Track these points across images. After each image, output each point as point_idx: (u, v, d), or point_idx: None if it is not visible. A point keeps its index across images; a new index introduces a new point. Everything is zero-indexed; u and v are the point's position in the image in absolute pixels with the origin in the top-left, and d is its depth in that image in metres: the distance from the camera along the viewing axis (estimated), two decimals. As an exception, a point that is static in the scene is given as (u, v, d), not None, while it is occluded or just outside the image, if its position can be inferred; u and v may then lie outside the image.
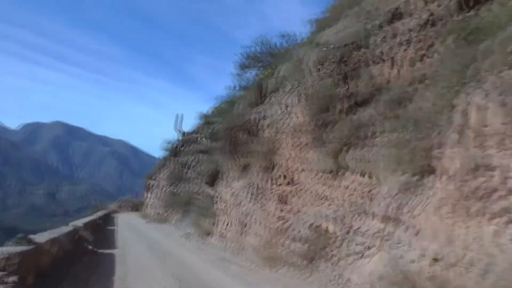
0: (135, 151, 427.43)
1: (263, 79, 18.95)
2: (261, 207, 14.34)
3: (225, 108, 30.34)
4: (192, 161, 37.49)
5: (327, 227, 10.26)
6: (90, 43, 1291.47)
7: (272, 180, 13.81)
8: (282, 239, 12.30)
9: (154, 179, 42.03)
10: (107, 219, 39.74)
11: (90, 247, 16.67)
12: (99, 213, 39.41)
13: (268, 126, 15.12)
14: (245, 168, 16.44)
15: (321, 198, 10.96)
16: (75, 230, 16.34)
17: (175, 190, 36.78)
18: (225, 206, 18.42)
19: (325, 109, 11.36)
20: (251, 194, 15.35)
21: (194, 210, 29.74)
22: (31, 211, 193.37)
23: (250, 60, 26.25)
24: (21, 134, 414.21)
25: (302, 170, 12.30)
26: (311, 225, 10.90)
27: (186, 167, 37.81)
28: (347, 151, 10.30)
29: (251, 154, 15.61)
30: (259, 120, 15.96)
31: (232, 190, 17.73)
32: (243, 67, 27.08)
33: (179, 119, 43.13)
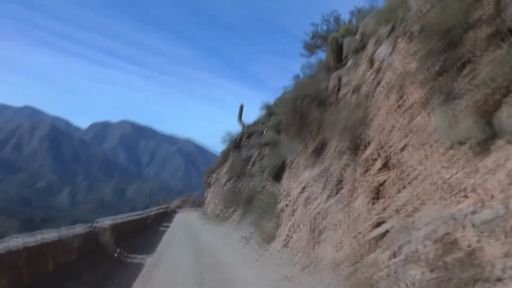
0: (201, 150, 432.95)
1: (341, 36, 14.60)
2: (344, 205, 10.00)
3: (291, 97, 27.71)
4: (255, 155, 33.93)
5: (472, 243, 5.76)
6: (157, 44, 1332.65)
7: (360, 165, 9.44)
8: (380, 256, 7.89)
9: (215, 175, 39.10)
10: (163, 217, 37.69)
11: (118, 251, 13.06)
12: (152, 211, 38.41)
13: (353, 91, 10.76)
14: (319, 152, 12.19)
15: (454, 190, 6.45)
16: (92, 232, 12.64)
17: (236, 187, 33.29)
18: (291, 205, 14.23)
19: (452, 44, 6.89)
20: (328, 186, 11.05)
21: (256, 209, 26.17)
22: (99, 207, 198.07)
23: (320, 39, 22.24)
24: (90, 133, 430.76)
25: (412, 145, 7.85)
26: (437, 237, 6.42)
27: (249, 161, 34.38)
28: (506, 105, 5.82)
29: (328, 132, 11.31)
30: (339, 86, 11.62)
31: (300, 182, 13.53)
32: (312, 47, 22.99)
33: (241, 111, 39.50)
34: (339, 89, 11.69)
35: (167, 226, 31.13)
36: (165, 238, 21.77)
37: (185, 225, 32.53)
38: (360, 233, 8.89)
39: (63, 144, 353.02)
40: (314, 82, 13.50)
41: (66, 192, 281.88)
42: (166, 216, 42.09)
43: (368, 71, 10.32)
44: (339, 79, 11.94)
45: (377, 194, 8.70)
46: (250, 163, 33.92)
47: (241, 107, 39.46)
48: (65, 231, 10.53)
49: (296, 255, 12.32)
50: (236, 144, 36.67)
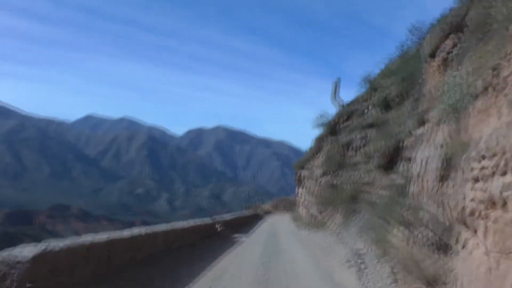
0: (296, 152, 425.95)
1: None
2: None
3: (399, 66, 22.23)
4: (358, 139, 26.17)
5: None
6: (251, 48, 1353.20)
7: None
8: None
9: (307, 169, 31.64)
10: (246, 223, 33.60)
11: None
12: (234, 215, 34.45)
13: None
14: None
15: None
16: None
17: (334, 181, 25.83)
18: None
19: None
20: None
21: (365, 209, 19.34)
22: (196, 212, 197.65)
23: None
24: (186, 140, 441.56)
25: None
26: None
27: (349, 148, 26.74)
28: None
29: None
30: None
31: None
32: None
33: (337, 87, 31.54)
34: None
35: (249, 234, 24.18)
36: (232, 256, 14.72)
37: (271, 233, 25.48)
38: None
39: (160, 151, 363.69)
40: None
41: (164, 198, 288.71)
42: (250, 222, 36.50)
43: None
44: None
45: None
46: (351, 150, 26.39)
47: (336, 83, 31.56)
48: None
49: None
50: (332, 128, 28.82)
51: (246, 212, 43.88)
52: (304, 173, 32.36)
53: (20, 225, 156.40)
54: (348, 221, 20.41)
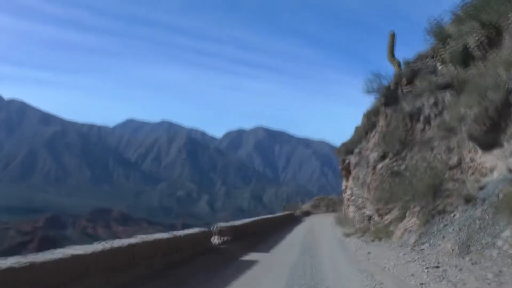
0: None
1: None
2: None
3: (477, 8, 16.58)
4: (428, 106, 18.99)
5: None
6: (288, 48, 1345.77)
7: None
8: None
9: (355, 154, 23.72)
10: (276, 228, 27.84)
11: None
12: (267, 217, 31.40)
13: None
14: None
15: None
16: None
17: (398, 167, 17.78)
18: None
19: None
20: None
21: (458, 208, 12.46)
22: (237, 213, 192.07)
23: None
24: (225, 142, 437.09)
25: None
26: None
27: (417, 119, 18.72)
28: None
29: None
30: None
31: None
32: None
33: (394, 42, 23.34)
34: None
35: (268, 248, 16.66)
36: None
37: (304, 246, 17.94)
38: None
39: (200, 154, 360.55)
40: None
41: (204, 199, 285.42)
42: (281, 227, 29.99)
43: None
44: None
45: None
46: (420, 122, 18.76)
47: (392, 37, 23.33)
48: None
49: None
50: (389, 95, 20.65)
51: (278, 215, 38.11)
52: (352, 159, 24.30)
53: (60, 229, 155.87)
54: (430, 227, 12.53)
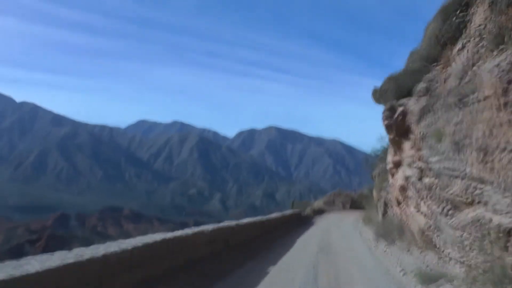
0: (349, 149, 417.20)
1: None
2: None
3: None
4: None
5: None
6: (300, 50, 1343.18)
7: None
8: None
9: (420, 93, 13.49)
10: (277, 233, 20.80)
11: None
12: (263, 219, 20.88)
13: None
14: None
15: None
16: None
17: None
18: None
19: None
20: None
21: None
22: (249, 211, 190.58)
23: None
24: (237, 141, 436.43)
25: None
26: None
27: None
28: None
29: None
30: None
31: None
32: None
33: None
34: None
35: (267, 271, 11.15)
36: None
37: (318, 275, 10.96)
38: None
39: (212, 153, 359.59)
40: None
41: (217, 198, 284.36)
42: (282, 233, 21.67)
43: None
44: None
45: None
46: None
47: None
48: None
49: None
50: None
51: (274, 216, 24.96)
52: (412, 104, 13.32)
53: (69, 228, 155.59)
54: None
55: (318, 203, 48.52)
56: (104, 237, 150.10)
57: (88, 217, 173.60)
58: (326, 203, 48.09)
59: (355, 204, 43.65)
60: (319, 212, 41.26)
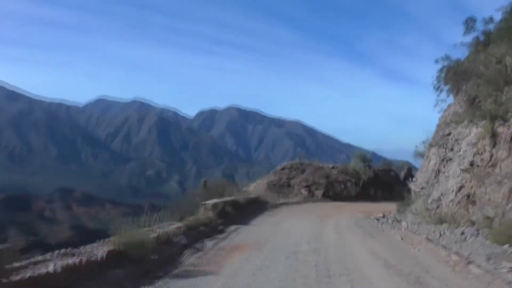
0: (310, 131, 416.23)
1: None
2: None
3: None
4: None
5: None
6: (265, 29, 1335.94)
7: None
8: None
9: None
10: None
11: None
12: None
13: None
14: None
15: None
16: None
17: None
18: None
19: None
20: None
21: None
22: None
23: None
24: (198, 121, 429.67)
25: None
26: None
27: None
28: None
29: None
30: None
31: None
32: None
33: None
34: None
35: None
36: None
37: None
38: None
39: (171, 133, 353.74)
40: None
41: (175, 179, 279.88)
42: None
43: None
44: None
45: None
46: None
47: None
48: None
49: None
50: None
51: None
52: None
53: (15, 211, 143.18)
54: None
55: (259, 184, 31.59)
56: (50, 222, 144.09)
57: (35, 199, 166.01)
58: (271, 186, 30.74)
59: (336, 192, 30.48)
60: (254, 208, 23.47)
